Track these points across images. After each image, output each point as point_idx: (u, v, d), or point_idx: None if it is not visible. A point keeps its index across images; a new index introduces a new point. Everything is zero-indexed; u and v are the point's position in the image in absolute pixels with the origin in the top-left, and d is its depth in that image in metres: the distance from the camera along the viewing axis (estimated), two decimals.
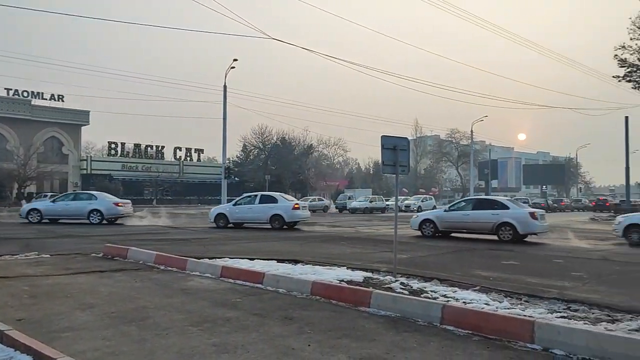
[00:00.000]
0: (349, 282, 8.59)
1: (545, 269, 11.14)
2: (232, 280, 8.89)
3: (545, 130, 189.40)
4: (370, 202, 47.26)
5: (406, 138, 9.85)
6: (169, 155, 75.53)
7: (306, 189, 68.74)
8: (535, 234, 17.76)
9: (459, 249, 15.05)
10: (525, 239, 17.54)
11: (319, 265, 10.63)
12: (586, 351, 4.93)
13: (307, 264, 10.83)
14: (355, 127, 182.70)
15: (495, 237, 17.42)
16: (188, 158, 74.69)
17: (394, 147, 9.50)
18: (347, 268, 10.20)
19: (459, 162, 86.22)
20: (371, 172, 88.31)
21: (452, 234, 19.19)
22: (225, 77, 38.43)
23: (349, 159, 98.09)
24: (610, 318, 6.58)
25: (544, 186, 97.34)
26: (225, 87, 38.93)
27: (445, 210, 19.58)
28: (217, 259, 11.12)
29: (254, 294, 7.80)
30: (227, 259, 11.28)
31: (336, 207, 52.49)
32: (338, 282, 8.42)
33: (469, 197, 21.65)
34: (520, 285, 8.90)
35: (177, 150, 74.45)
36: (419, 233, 19.36)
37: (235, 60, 37.42)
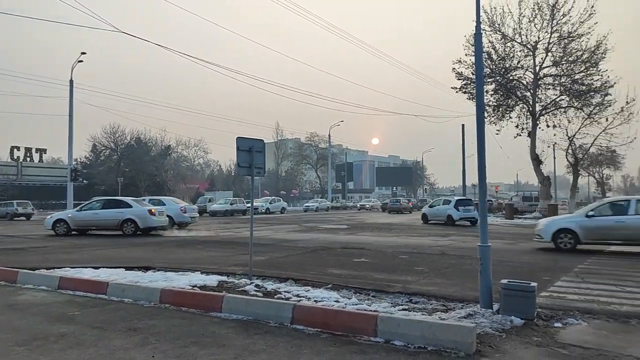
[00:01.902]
0: (202, 287, 8.32)
1: (392, 265, 11.90)
2: (71, 292, 8.12)
3: (396, 135, 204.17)
4: (231, 204, 46.71)
5: (262, 140, 9.83)
6: (4, 155, 67.17)
7: (163, 192, 65.81)
8: (155, 228, 21.43)
9: (316, 248, 15.47)
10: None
11: (172, 271, 10.17)
12: (422, 340, 5.32)
13: (158, 270, 10.30)
14: (217, 129, 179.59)
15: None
16: (28, 159, 67.07)
17: (249, 149, 9.43)
18: (202, 273, 9.91)
19: (318, 165, 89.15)
20: (233, 174, 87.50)
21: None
22: (72, 71, 35.33)
23: (210, 161, 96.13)
24: (445, 308, 7.19)
25: (395, 187, 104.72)
26: (71, 82, 35.77)
27: (77, 211, 21.90)
28: (57, 269, 10.11)
29: (96, 306, 7.19)
30: (68, 268, 10.30)
31: None
32: (190, 288, 8.12)
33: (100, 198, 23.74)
34: (369, 281, 9.38)
35: (15, 149, 66.49)
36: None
37: (83, 53, 34.59)
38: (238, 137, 9.37)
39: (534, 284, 6.50)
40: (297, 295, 7.74)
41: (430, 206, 32.03)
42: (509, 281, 6.59)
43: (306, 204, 63.15)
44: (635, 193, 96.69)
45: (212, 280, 8.97)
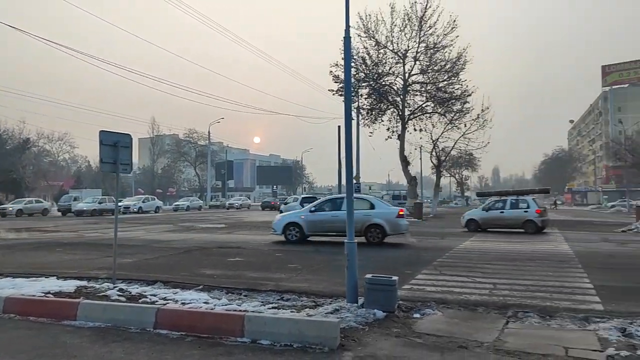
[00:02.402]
0: (57, 293, 7.64)
1: (267, 263, 11.91)
2: None
3: (278, 135, 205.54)
4: (100, 203, 43.63)
5: (129, 135, 9.27)
6: None
7: (21, 190, 59.53)
8: None
9: (191, 249, 14.99)
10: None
11: (23, 277, 9.21)
12: (289, 338, 5.36)
13: (7, 276, 9.26)
14: (85, 122, 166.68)
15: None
16: None
17: (114, 143, 8.86)
18: (58, 278, 9.10)
19: (197, 162, 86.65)
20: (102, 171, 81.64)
21: None
22: None
23: (78, 157, 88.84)
24: (314, 304, 7.33)
25: (275, 186, 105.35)
26: None
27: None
28: None
29: None
30: None
31: (59, 210, 46.93)
32: (42, 295, 7.40)
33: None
34: (243, 280, 9.28)
35: None
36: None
37: None
38: (101, 131, 8.76)
39: (395, 277, 6.87)
40: (164, 299, 7.41)
41: (285, 203, 35.50)
42: (373, 276, 6.90)
43: (176, 203, 60.99)
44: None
45: (70, 285, 8.27)
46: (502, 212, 22.27)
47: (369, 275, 6.91)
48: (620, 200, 59.26)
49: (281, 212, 32.10)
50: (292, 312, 6.64)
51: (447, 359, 5.00)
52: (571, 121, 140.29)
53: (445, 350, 5.26)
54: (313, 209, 16.83)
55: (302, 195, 32.87)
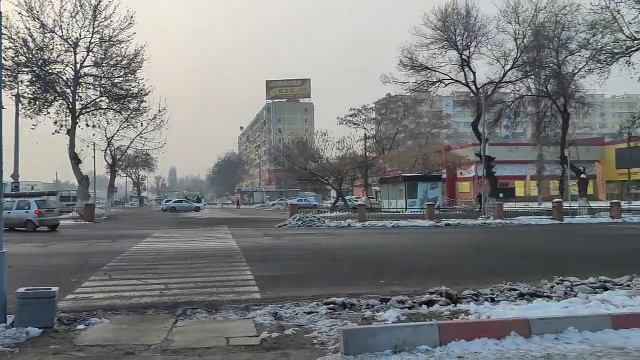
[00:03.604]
0: None
1: None
2: None
3: None
4: None
5: None
6: None
7: None
8: None
9: None
10: None
11: None
12: None
13: None
14: None
15: None
16: None
17: None
18: None
19: None
20: None
21: None
22: None
23: None
24: None
25: None
26: None
27: None
28: None
29: None
30: None
31: None
32: None
33: None
34: None
35: None
36: None
37: None
38: None
39: (55, 289, 6.18)
40: None
41: None
42: (26, 289, 6.05)
43: None
44: (167, 193, 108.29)
45: None
46: (9, 212, 21.83)
47: (21, 290, 6.02)
48: (280, 200, 68.10)
49: None
50: None
51: None
52: (241, 128, 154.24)
53: None
54: None
55: None
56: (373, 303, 7.13)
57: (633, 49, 32.44)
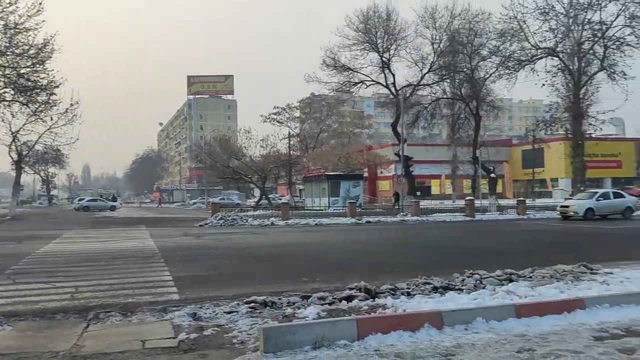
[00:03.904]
0: None
1: None
2: None
3: None
4: None
5: None
6: None
7: None
8: None
9: None
10: None
11: None
12: None
13: None
14: None
15: None
16: None
17: None
18: None
19: None
20: None
21: None
22: None
23: None
24: None
25: None
26: None
27: None
28: None
29: None
30: None
31: None
32: None
33: None
34: None
35: None
36: None
37: None
38: None
39: None
40: None
41: None
42: None
43: None
44: (80, 191, 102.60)
45: None
46: None
47: None
48: (201, 198, 66.58)
49: None
50: None
51: None
52: (160, 124, 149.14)
53: None
54: None
55: None
56: (294, 300, 7.17)
57: (537, 57, 35.05)
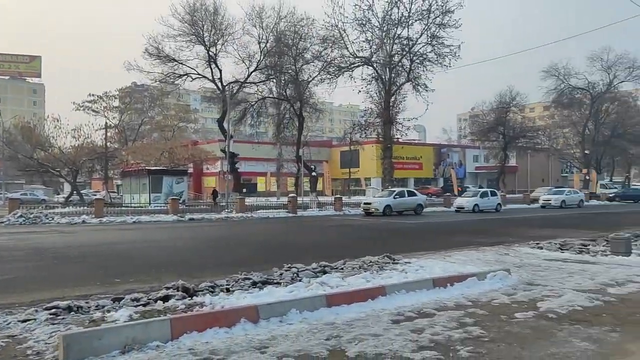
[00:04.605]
0: None
1: None
2: None
3: None
4: None
5: None
6: None
7: None
8: None
9: None
10: None
11: None
12: None
13: None
14: None
15: None
16: None
17: None
18: None
19: None
20: None
21: None
22: None
23: None
24: None
25: None
26: None
27: None
28: None
29: None
30: None
31: None
32: None
33: None
34: None
35: None
36: None
37: None
38: None
39: None
40: None
41: None
42: None
43: None
44: None
45: None
46: None
47: None
48: None
49: None
50: None
51: None
52: None
53: None
54: None
55: None
56: (104, 303, 6.68)
57: (355, 65, 37.90)
